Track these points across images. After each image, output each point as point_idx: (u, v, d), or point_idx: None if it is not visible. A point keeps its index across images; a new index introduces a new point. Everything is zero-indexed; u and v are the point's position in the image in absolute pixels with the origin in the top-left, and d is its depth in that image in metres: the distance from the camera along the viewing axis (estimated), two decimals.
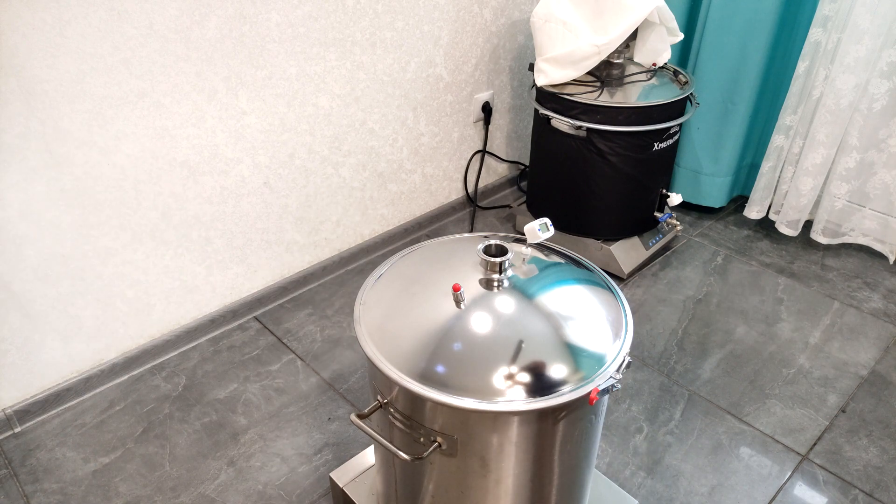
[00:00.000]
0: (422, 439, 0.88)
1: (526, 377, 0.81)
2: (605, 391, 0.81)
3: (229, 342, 1.72)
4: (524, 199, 2.16)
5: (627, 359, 0.84)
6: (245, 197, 1.66)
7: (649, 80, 1.82)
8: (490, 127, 2.18)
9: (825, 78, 1.84)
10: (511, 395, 0.79)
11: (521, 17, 2.08)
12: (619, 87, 1.79)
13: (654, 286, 1.90)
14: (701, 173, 2.15)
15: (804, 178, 1.96)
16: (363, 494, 1.17)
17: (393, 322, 0.89)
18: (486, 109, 2.13)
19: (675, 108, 1.78)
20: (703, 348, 1.68)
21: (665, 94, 1.75)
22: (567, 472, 0.95)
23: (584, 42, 1.72)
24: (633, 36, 1.82)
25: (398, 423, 0.90)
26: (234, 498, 1.32)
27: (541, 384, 0.80)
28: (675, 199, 1.89)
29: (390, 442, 0.89)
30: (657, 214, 1.96)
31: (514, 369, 0.81)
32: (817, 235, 2.03)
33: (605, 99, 1.73)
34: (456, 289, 0.88)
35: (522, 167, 2.39)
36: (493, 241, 0.94)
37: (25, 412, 1.49)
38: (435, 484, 0.94)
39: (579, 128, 1.77)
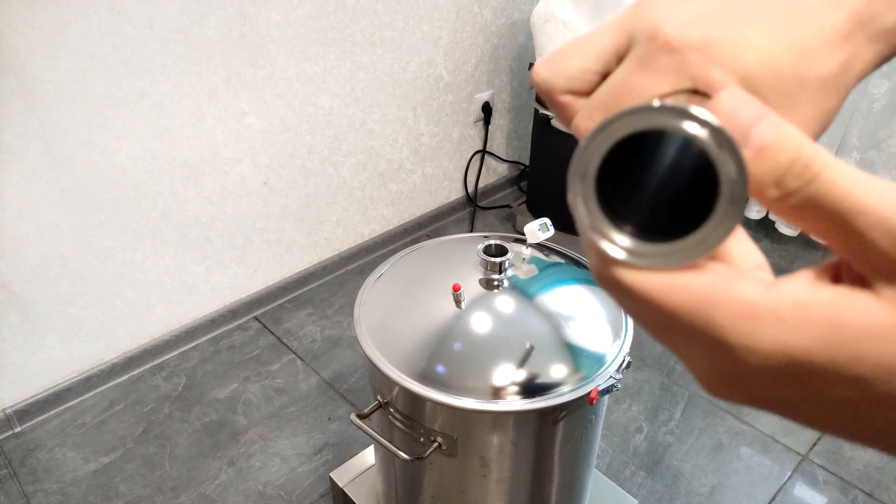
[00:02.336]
0: (422, 439, 0.88)
1: (526, 377, 0.81)
2: (606, 391, 0.81)
3: (229, 342, 1.72)
4: (524, 199, 2.16)
5: (627, 359, 0.84)
6: (245, 197, 1.66)
7: None
8: (490, 127, 2.18)
9: None
10: (511, 394, 0.79)
11: (521, 17, 2.08)
12: None
13: None
14: None
15: None
16: (363, 494, 1.17)
17: (393, 322, 0.89)
18: (486, 109, 2.13)
19: None
20: None
21: None
22: (567, 472, 0.95)
23: None
24: None
25: (398, 423, 0.90)
26: (234, 498, 1.32)
27: (541, 384, 0.80)
28: None
29: (390, 442, 0.89)
30: None
31: (514, 369, 0.81)
32: None
33: None
34: (456, 289, 0.88)
35: (522, 167, 2.39)
36: (493, 241, 0.94)
37: (25, 412, 1.49)
38: (435, 484, 0.94)
39: None
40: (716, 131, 0.19)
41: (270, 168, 1.68)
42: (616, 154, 0.20)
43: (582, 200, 0.21)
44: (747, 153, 0.19)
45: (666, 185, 0.22)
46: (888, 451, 0.20)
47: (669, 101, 0.19)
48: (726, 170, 0.19)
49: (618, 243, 0.21)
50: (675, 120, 0.19)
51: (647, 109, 0.20)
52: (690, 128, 0.19)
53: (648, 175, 0.22)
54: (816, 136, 0.24)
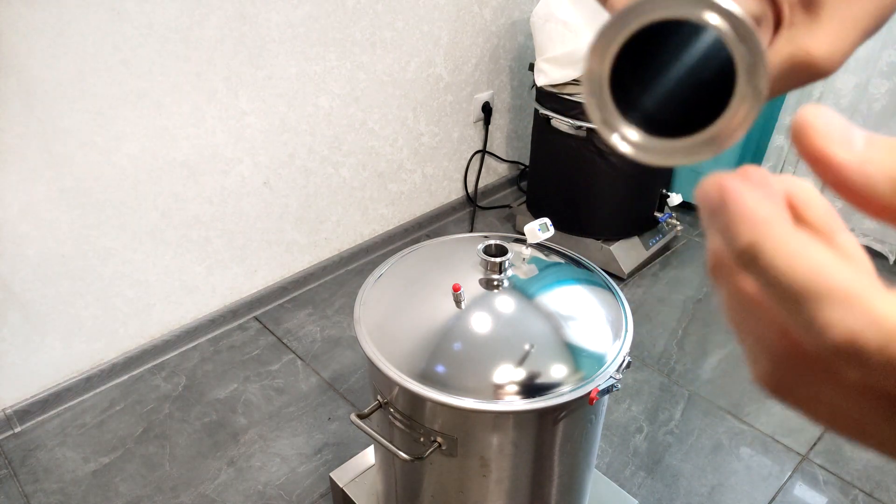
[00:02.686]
0: (422, 439, 0.88)
1: (526, 377, 0.81)
2: (606, 391, 0.81)
3: (229, 342, 1.72)
4: (524, 199, 2.16)
5: (627, 359, 0.84)
6: (245, 197, 1.66)
7: None
8: (490, 127, 2.18)
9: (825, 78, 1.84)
10: (511, 394, 0.79)
11: (521, 17, 2.08)
12: None
13: (654, 286, 1.90)
14: (701, 173, 2.14)
15: (804, 178, 1.96)
16: (363, 494, 1.17)
17: (393, 322, 0.89)
18: (486, 109, 2.13)
19: None
20: (703, 348, 1.68)
21: None
22: (567, 472, 0.94)
23: (584, 42, 1.72)
24: None
25: (398, 423, 0.90)
26: (234, 498, 1.32)
27: (541, 384, 0.80)
28: (675, 198, 1.89)
29: (390, 442, 0.89)
30: (657, 214, 1.96)
31: (513, 369, 0.81)
32: None
33: None
34: (456, 289, 0.88)
35: (522, 167, 2.39)
36: (493, 241, 0.94)
37: (25, 412, 1.49)
38: (435, 484, 0.94)
39: (579, 128, 1.76)
40: (736, 21, 0.18)
41: (270, 168, 1.68)
42: (631, 47, 0.20)
43: (596, 93, 0.21)
44: (853, 156, 0.16)
45: (683, 79, 0.21)
46: None
47: None
48: (744, 61, 0.18)
49: (627, 137, 0.21)
50: (697, 9, 0.19)
51: None
52: (711, 18, 0.18)
53: (664, 68, 0.22)
54: (869, 35, 0.22)
